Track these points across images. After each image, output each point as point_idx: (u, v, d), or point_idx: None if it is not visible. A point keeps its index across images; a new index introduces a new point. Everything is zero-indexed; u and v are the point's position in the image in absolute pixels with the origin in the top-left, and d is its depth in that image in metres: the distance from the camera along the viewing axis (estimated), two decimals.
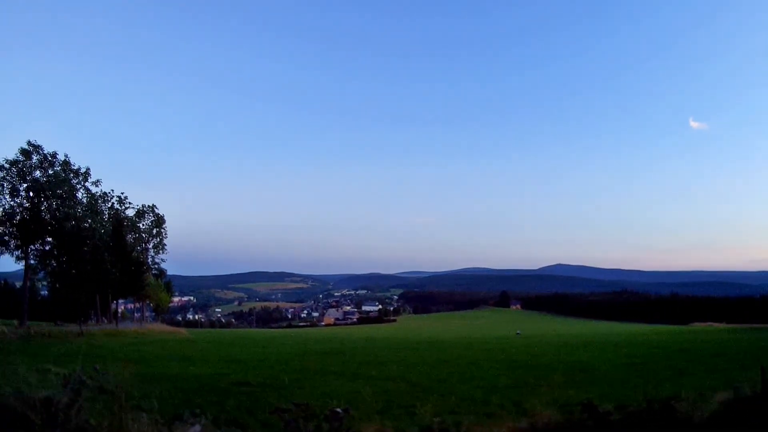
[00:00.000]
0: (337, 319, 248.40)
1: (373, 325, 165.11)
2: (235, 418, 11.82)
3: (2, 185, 53.42)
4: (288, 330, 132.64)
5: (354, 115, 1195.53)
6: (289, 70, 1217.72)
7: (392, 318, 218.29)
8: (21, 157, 53.87)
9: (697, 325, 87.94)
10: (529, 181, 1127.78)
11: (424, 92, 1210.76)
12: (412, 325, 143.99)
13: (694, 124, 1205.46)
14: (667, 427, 7.74)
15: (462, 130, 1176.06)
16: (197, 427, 7.62)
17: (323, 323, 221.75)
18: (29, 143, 54.45)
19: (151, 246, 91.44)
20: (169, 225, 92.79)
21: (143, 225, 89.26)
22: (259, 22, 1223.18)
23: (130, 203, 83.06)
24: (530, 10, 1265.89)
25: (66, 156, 57.02)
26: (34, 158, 54.66)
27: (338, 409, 7.02)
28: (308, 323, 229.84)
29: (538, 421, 7.97)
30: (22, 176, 53.93)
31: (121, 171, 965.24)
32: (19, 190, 53.95)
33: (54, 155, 56.04)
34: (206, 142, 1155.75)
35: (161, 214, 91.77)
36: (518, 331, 76.86)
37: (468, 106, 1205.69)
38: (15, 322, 50.21)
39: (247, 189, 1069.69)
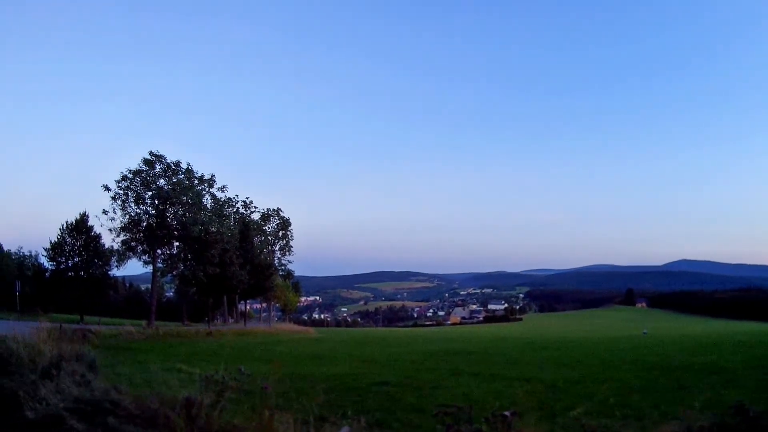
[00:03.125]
0: (463, 318, 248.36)
1: (500, 324, 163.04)
2: (378, 418, 11.17)
3: (127, 194, 54.69)
4: (414, 329, 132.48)
5: (476, 115, 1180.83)
6: (417, 72, 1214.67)
7: (518, 317, 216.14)
8: (144, 167, 55.05)
9: None
10: (653, 174, 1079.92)
11: (550, 89, 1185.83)
12: (538, 324, 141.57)
13: None
14: None
15: (588, 125, 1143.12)
16: (346, 429, 7.18)
17: (449, 322, 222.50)
18: (151, 153, 55.63)
19: (277, 248, 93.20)
20: (295, 227, 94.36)
21: (269, 228, 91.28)
22: (368, 31, 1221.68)
23: (255, 207, 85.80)
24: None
25: (189, 164, 58.12)
26: (158, 167, 55.75)
27: (506, 413, 6.12)
28: (434, 322, 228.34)
29: (692, 424, 6.77)
30: (146, 185, 55.05)
31: (246, 176, 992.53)
32: (144, 197, 55.11)
33: (177, 164, 57.03)
34: (330, 144, 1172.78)
35: (286, 217, 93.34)
36: (645, 331, 73.32)
37: (597, 103, 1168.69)
38: (143, 322, 51.41)
39: (372, 189, 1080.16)
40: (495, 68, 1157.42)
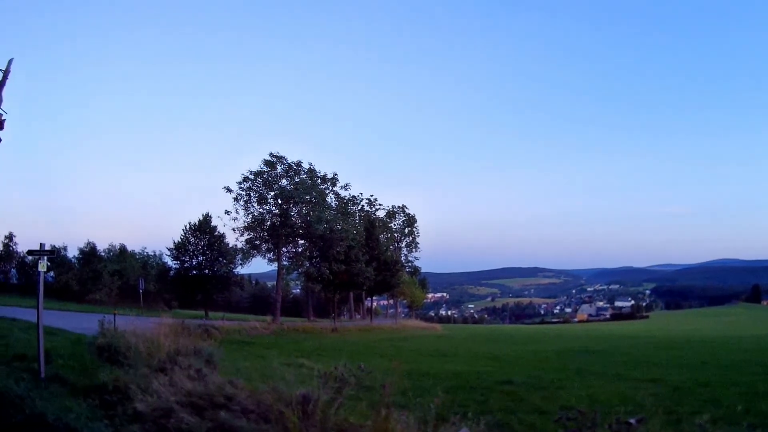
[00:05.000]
0: (590, 315, 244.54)
1: (626, 321, 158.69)
2: (499, 420, 10.66)
3: (249, 195, 55.52)
4: (541, 326, 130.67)
5: (601, 107, 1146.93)
6: (540, 64, 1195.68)
7: (644, 314, 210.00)
8: (265, 168, 55.84)
9: None
10: None
11: (674, 73, 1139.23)
12: (664, 322, 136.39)
13: None
14: None
15: (713, 115, 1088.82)
16: (465, 430, 6.92)
17: (576, 319, 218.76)
18: (271, 154, 56.22)
19: (403, 245, 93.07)
20: (422, 224, 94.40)
21: (395, 225, 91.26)
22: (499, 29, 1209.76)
23: (380, 204, 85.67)
24: None
25: (310, 164, 58.33)
26: (279, 168, 56.44)
27: (632, 420, 5.73)
28: (561, 319, 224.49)
29: None
30: (268, 185, 55.75)
31: (370, 174, 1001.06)
32: (267, 197, 55.82)
33: (299, 164, 57.33)
34: (456, 140, 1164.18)
35: (412, 213, 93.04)
36: None
37: (722, 88, 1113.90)
38: (268, 318, 52.23)
39: (499, 185, 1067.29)
40: (622, 54, 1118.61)
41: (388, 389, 7.32)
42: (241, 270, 64.77)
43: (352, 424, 7.16)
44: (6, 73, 20.12)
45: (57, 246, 57.18)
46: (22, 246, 58.38)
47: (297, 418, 7.03)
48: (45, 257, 12.58)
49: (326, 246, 56.73)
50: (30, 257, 53.48)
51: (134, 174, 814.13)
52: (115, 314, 23.26)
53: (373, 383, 8.48)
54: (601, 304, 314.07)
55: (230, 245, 59.56)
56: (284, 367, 10.94)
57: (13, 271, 59.25)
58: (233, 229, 55.84)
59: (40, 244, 12.68)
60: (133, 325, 16.67)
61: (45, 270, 12.43)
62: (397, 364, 16.12)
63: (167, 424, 7.66)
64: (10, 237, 57.47)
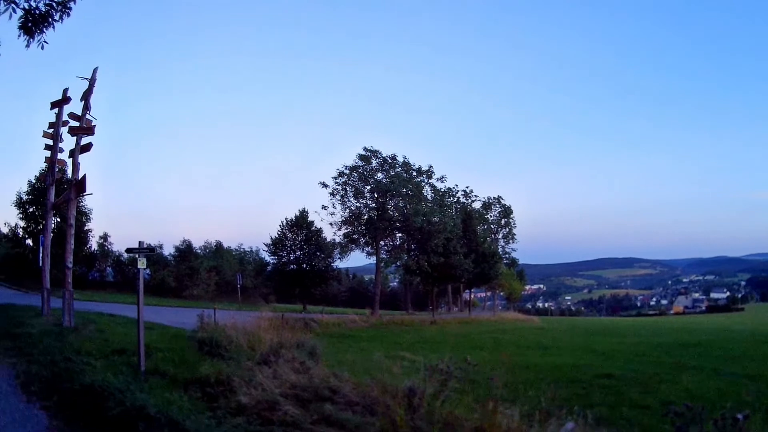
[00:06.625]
0: (686, 307, 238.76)
1: (721, 314, 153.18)
2: (601, 415, 10.33)
3: (345, 189, 56.31)
4: (637, 319, 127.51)
5: (690, 93, 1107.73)
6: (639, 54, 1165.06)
7: (740, 306, 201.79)
8: (360, 162, 56.38)
9: None
10: None
11: None
12: (759, 315, 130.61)
13: None
14: None
15: None
16: (571, 425, 6.72)
17: (672, 311, 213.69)
18: (366, 149, 56.87)
19: (500, 236, 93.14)
20: (517, 215, 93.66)
21: (491, 216, 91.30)
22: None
23: (476, 196, 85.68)
24: None
25: (405, 157, 58.79)
26: (374, 162, 56.88)
27: (739, 415, 5.60)
28: (657, 312, 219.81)
29: None
30: (364, 179, 56.35)
31: (464, 166, 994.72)
32: (363, 191, 56.40)
33: (393, 157, 57.88)
34: (549, 131, 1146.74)
35: (508, 204, 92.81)
36: None
37: None
38: (367, 311, 52.55)
39: (593, 174, 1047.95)
40: (728, 37, 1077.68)
41: (496, 381, 7.27)
42: (339, 264, 65.22)
43: (459, 417, 6.94)
44: (92, 81, 20.78)
45: (152, 244, 59.03)
46: (117, 245, 60.45)
47: (403, 410, 6.95)
48: (144, 254, 12.69)
49: (424, 239, 56.77)
50: (126, 255, 55.43)
51: (228, 173, 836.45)
52: (215, 309, 23.55)
53: (478, 377, 8.16)
54: (696, 295, 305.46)
55: (327, 240, 60.21)
56: (386, 360, 10.93)
57: (109, 269, 61.31)
58: (330, 224, 56.97)
59: (139, 242, 12.84)
60: (233, 319, 16.86)
61: (144, 267, 12.60)
62: (507, 357, 15.87)
63: (271, 417, 7.66)
64: (105, 237, 59.32)
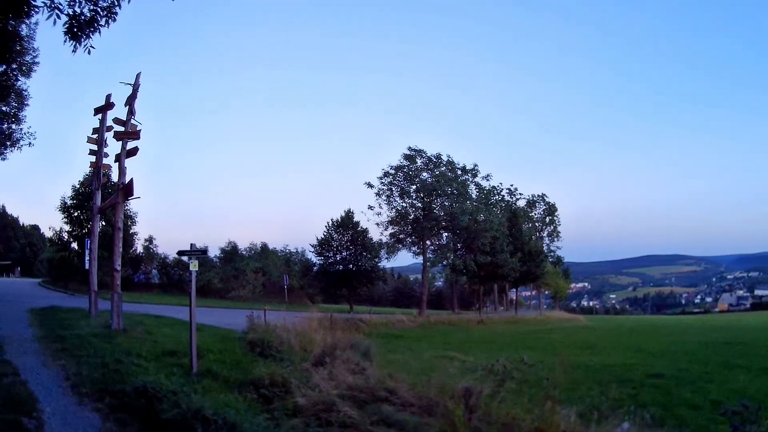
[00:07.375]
0: (730, 305, 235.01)
1: (766, 311, 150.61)
2: (653, 415, 9.92)
3: (391, 189, 56.25)
4: (682, 317, 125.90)
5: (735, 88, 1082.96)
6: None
7: None
8: (405, 162, 56.26)
9: None
10: None
11: None
12: None
13: None
14: None
15: None
16: (626, 425, 7.08)
17: (717, 309, 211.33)
18: (410, 148, 56.73)
19: (545, 234, 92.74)
20: (562, 213, 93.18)
21: (535, 214, 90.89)
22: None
23: (520, 194, 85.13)
24: None
25: (449, 156, 58.52)
26: (419, 161, 56.74)
27: None
28: (702, 309, 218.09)
29: None
30: (409, 179, 56.16)
31: (508, 164, 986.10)
32: (409, 191, 56.23)
33: (438, 156, 57.62)
34: (593, 127, 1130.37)
35: (552, 202, 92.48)
36: None
37: None
38: (414, 311, 52.62)
39: (637, 170, 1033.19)
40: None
41: (550, 383, 7.63)
42: (385, 264, 65.25)
43: (516, 417, 7.05)
44: (135, 86, 20.95)
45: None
46: (162, 248, 61.41)
47: (461, 411, 7.01)
48: (195, 257, 12.93)
49: (470, 238, 56.89)
50: (171, 257, 57.40)
51: (273, 175, 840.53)
52: (265, 310, 23.57)
53: (532, 376, 8.47)
54: (741, 293, 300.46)
55: (374, 240, 60.21)
56: (437, 360, 10.89)
57: (154, 271, 62.21)
58: (377, 224, 56.89)
59: (191, 244, 13.14)
60: (283, 319, 16.88)
61: (196, 269, 12.81)
62: (566, 357, 15.77)
63: (329, 418, 7.76)
64: (150, 240, 60.18)
